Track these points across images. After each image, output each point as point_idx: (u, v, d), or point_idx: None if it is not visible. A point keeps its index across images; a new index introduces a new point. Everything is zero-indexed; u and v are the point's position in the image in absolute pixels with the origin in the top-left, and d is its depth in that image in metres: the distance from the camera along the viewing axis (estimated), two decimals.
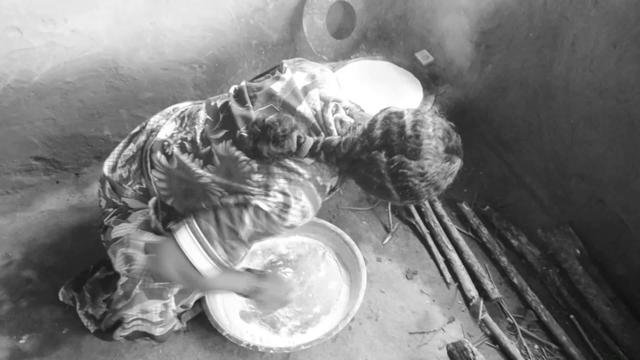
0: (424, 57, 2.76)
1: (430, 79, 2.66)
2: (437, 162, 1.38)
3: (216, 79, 2.58)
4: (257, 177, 1.49)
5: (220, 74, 2.58)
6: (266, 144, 1.43)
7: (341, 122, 1.56)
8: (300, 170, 1.49)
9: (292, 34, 2.74)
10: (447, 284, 2.19)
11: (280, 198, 1.48)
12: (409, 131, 1.37)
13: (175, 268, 1.47)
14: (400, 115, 1.42)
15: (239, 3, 2.40)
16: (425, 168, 1.37)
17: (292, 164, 1.49)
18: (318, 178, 1.53)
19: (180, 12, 2.24)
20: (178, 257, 1.45)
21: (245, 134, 1.48)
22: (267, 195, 1.48)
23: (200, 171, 1.56)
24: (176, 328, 1.97)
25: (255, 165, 1.49)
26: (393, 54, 2.92)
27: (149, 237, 1.63)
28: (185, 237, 1.46)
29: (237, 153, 1.50)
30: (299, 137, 1.45)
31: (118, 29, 2.14)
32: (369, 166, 1.41)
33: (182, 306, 1.76)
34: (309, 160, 1.51)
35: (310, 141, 1.46)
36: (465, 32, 2.49)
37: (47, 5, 1.93)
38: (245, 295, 1.83)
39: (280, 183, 1.48)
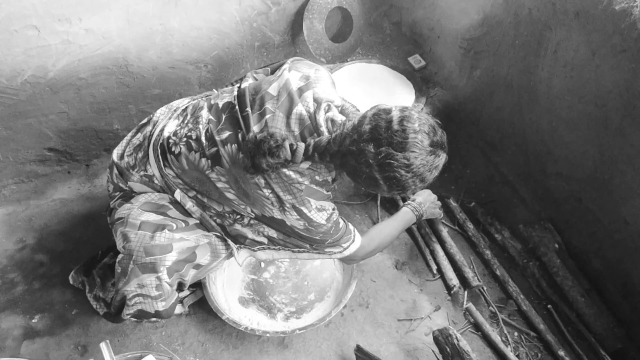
0: (416, 61, 2.81)
1: (422, 82, 2.69)
2: (423, 154, 1.44)
3: (220, 78, 2.62)
4: (266, 192, 1.59)
5: (224, 73, 2.62)
6: (263, 157, 1.48)
7: (332, 121, 1.61)
8: (299, 179, 1.57)
9: (292, 37, 2.78)
10: (433, 274, 2.24)
11: (295, 214, 1.61)
12: (396, 126, 1.43)
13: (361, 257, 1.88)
14: (388, 111, 1.48)
15: (243, 7, 2.44)
16: (411, 160, 1.43)
17: (291, 174, 1.56)
18: (317, 177, 1.61)
19: (187, 14, 2.28)
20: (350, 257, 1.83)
21: (247, 137, 1.54)
22: (284, 212, 1.61)
23: (213, 176, 1.65)
24: (178, 312, 2.04)
25: (262, 181, 1.58)
26: (387, 58, 2.95)
27: (147, 217, 1.68)
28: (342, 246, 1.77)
29: (246, 162, 1.56)
30: (291, 145, 1.51)
31: (129, 29, 2.18)
32: (358, 157, 1.46)
33: (182, 287, 1.79)
34: (305, 165, 1.57)
35: (302, 146, 1.52)
36: (455, 39, 2.52)
37: (63, 6, 1.97)
38: (419, 220, 2.09)
39: (288, 199, 1.59)
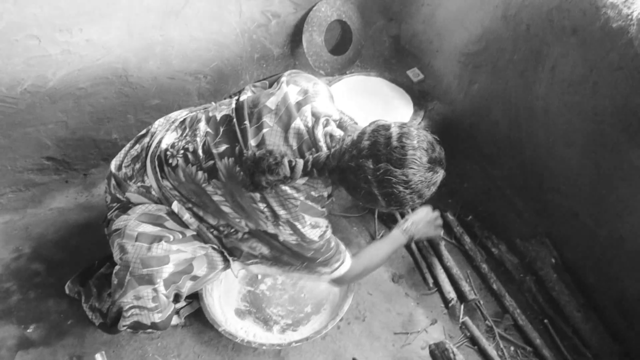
0: (414, 74, 2.82)
1: (420, 95, 2.71)
2: (421, 171, 1.43)
3: (219, 89, 2.63)
4: (261, 206, 1.59)
5: (224, 84, 2.63)
6: (262, 174, 1.48)
7: (331, 136, 1.61)
8: (295, 194, 1.57)
9: (292, 49, 2.80)
10: (430, 287, 2.24)
11: (289, 229, 1.61)
12: (395, 142, 1.43)
13: (349, 280, 1.91)
14: (387, 127, 1.48)
15: (243, 19, 2.46)
16: (410, 176, 1.42)
17: (287, 189, 1.56)
18: (312, 193, 1.61)
19: (188, 26, 2.30)
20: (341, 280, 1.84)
21: (245, 155, 1.54)
22: (278, 226, 1.61)
23: (210, 189, 1.65)
24: (174, 323, 2.03)
25: (257, 195, 1.57)
26: (386, 71, 2.96)
27: (144, 228, 1.67)
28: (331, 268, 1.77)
29: (241, 176, 1.57)
30: (290, 162, 1.50)
31: (129, 39, 2.19)
32: (357, 172, 1.46)
33: (179, 299, 1.78)
34: (301, 181, 1.57)
35: (300, 163, 1.51)
36: (453, 53, 2.54)
37: (64, 16, 1.98)
38: (410, 241, 2.09)
39: (282, 214, 1.58)
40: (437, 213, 2.19)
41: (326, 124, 1.63)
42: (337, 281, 1.87)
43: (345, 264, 1.80)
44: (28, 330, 2.02)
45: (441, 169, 1.51)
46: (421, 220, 2.11)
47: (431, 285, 2.25)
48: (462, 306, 2.16)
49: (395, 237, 2.03)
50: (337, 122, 1.69)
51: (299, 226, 1.61)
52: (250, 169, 1.50)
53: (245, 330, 2.04)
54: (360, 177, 1.47)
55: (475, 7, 2.36)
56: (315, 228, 1.64)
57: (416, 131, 1.48)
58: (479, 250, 2.36)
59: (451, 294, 2.17)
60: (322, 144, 1.58)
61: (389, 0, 2.94)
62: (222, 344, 2.03)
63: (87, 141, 2.43)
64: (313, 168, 1.53)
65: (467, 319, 2.11)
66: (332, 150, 1.54)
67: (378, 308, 2.17)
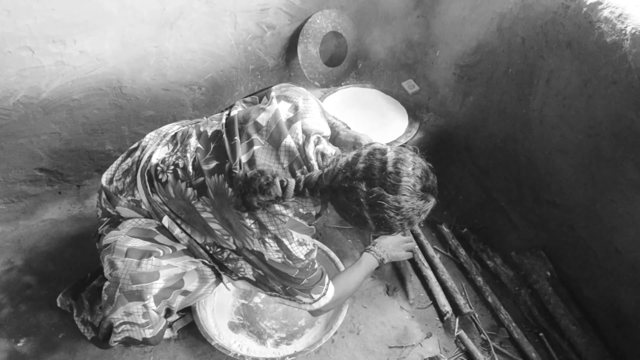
0: (410, 86, 2.83)
1: (415, 107, 2.71)
2: (413, 199, 1.45)
3: (214, 101, 2.63)
4: (249, 222, 1.57)
5: (218, 95, 2.63)
6: (254, 195, 1.48)
7: (322, 154, 1.61)
8: (283, 211, 1.56)
9: (287, 61, 2.80)
10: (425, 300, 2.23)
11: (275, 245, 1.59)
12: (390, 167, 1.43)
13: (328, 309, 1.86)
14: (383, 152, 1.48)
15: (238, 31, 2.46)
16: (402, 203, 1.43)
17: (276, 207, 1.55)
18: (300, 210, 1.60)
19: (182, 37, 2.30)
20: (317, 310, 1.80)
21: (235, 172, 1.54)
22: (264, 243, 1.59)
23: (199, 206, 1.63)
24: (167, 336, 2.02)
25: (246, 212, 1.56)
26: (381, 83, 2.98)
27: (134, 243, 1.66)
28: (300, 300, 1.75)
29: (230, 192, 1.56)
30: (281, 182, 1.50)
31: (123, 51, 2.19)
32: (349, 194, 1.46)
33: (170, 313, 1.78)
34: (290, 199, 1.56)
35: (292, 183, 1.51)
36: (448, 65, 2.55)
37: (58, 27, 1.98)
38: (382, 264, 2.06)
39: (271, 230, 1.57)
40: (407, 237, 2.22)
41: (317, 142, 1.63)
42: (315, 313, 1.85)
43: (327, 295, 1.78)
44: (18, 344, 2.00)
45: (433, 197, 1.52)
46: (390, 243, 2.12)
47: (425, 298, 2.24)
48: (457, 320, 2.15)
49: (369, 262, 2.03)
50: (332, 127, 1.71)
51: (286, 242, 1.59)
52: (242, 189, 1.50)
53: (239, 344, 2.03)
54: (352, 199, 1.47)
55: (470, 20, 2.37)
56: (302, 245, 1.62)
57: (412, 157, 1.49)
58: (474, 263, 2.35)
59: (446, 307, 2.16)
60: (313, 162, 1.58)
61: (384, 13, 2.95)
62: (215, 358, 2.01)
63: (80, 152, 2.42)
64: (305, 188, 1.53)
65: (462, 332, 2.10)
66: (325, 170, 1.54)
67: (372, 321, 2.16)
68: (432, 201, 1.52)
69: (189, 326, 2.06)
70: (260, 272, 1.72)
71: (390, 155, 1.47)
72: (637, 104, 1.60)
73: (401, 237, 2.20)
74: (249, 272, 1.75)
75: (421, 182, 1.46)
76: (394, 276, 2.33)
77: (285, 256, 1.61)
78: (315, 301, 1.76)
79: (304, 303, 1.77)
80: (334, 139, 1.88)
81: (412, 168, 1.45)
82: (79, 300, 2.02)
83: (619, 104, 1.68)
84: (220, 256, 1.76)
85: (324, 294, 1.77)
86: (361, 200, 1.45)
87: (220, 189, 1.59)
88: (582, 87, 1.82)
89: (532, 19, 1.99)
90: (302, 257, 1.63)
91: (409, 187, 1.43)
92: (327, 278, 1.79)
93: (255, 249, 1.62)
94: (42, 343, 2.01)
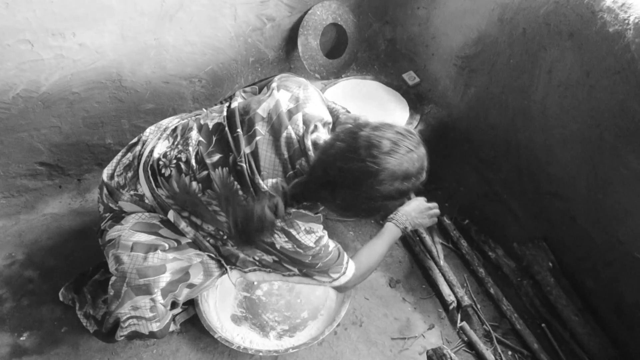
0: (410, 78, 2.81)
1: (416, 99, 2.70)
2: (405, 155, 1.41)
3: (214, 93, 2.62)
4: None
5: (218, 88, 2.62)
6: (256, 235, 1.47)
7: (315, 144, 1.58)
8: None
9: (287, 53, 2.79)
10: (427, 291, 2.23)
11: (284, 237, 1.60)
12: (365, 141, 1.40)
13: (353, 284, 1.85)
14: (351, 133, 1.45)
15: (238, 23, 2.45)
16: (399, 165, 1.40)
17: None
18: (304, 202, 1.59)
19: (182, 29, 2.29)
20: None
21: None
22: (272, 235, 1.59)
23: (205, 199, 1.63)
24: (170, 330, 2.01)
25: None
26: (382, 74, 2.96)
27: (139, 237, 1.67)
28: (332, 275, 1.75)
29: (237, 186, 1.56)
30: (270, 207, 1.46)
31: (123, 44, 2.18)
32: (346, 154, 1.42)
33: (175, 306, 1.79)
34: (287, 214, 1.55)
35: (280, 201, 1.47)
36: (449, 56, 2.53)
37: (57, 20, 1.98)
38: (405, 232, 2.04)
39: (277, 222, 1.55)
40: (432, 204, 2.16)
41: (314, 130, 1.62)
42: (338, 289, 1.87)
43: (347, 273, 1.78)
44: (21, 338, 2.01)
45: (421, 146, 1.48)
46: (413, 210, 2.08)
47: (428, 289, 2.24)
48: (460, 311, 2.16)
49: (390, 231, 2.00)
50: (333, 113, 1.70)
51: (294, 232, 1.60)
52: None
53: (242, 336, 2.03)
54: (350, 152, 1.42)
55: (471, 11, 2.36)
56: (309, 234, 1.62)
57: (380, 124, 1.47)
58: (476, 255, 2.35)
59: (451, 297, 2.16)
60: (311, 152, 1.57)
61: (384, 4, 2.94)
62: (218, 350, 2.01)
63: (80, 146, 2.42)
64: (293, 200, 1.52)
65: (464, 323, 2.11)
66: (304, 176, 1.54)
67: (375, 313, 2.16)
68: (423, 149, 1.48)
69: (192, 319, 2.06)
70: (274, 257, 1.73)
71: (364, 133, 1.43)
72: (639, 94, 1.59)
73: (425, 203, 2.13)
74: (265, 256, 1.76)
75: (403, 137, 1.43)
76: (397, 268, 2.33)
77: (295, 246, 1.62)
78: (335, 279, 1.77)
79: (324, 282, 1.79)
80: (334, 124, 1.86)
81: (387, 132, 1.42)
82: (81, 294, 2.03)
83: (621, 95, 1.67)
84: (231, 244, 1.76)
85: (344, 273, 1.77)
86: (360, 150, 1.40)
87: (225, 182, 1.59)
88: (584, 78, 1.81)
89: (533, 9, 1.98)
90: (311, 244, 1.63)
91: (394, 147, 1.39)
92: (345, 257, 1.78)
93: (265, 239, 1.63)
94: (44, 337, 2.01)
